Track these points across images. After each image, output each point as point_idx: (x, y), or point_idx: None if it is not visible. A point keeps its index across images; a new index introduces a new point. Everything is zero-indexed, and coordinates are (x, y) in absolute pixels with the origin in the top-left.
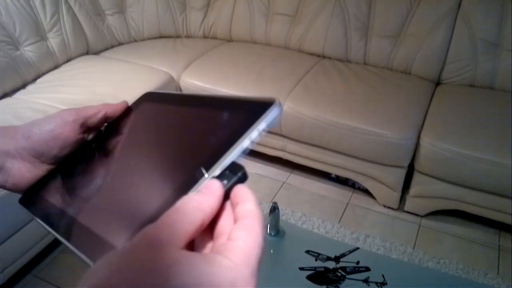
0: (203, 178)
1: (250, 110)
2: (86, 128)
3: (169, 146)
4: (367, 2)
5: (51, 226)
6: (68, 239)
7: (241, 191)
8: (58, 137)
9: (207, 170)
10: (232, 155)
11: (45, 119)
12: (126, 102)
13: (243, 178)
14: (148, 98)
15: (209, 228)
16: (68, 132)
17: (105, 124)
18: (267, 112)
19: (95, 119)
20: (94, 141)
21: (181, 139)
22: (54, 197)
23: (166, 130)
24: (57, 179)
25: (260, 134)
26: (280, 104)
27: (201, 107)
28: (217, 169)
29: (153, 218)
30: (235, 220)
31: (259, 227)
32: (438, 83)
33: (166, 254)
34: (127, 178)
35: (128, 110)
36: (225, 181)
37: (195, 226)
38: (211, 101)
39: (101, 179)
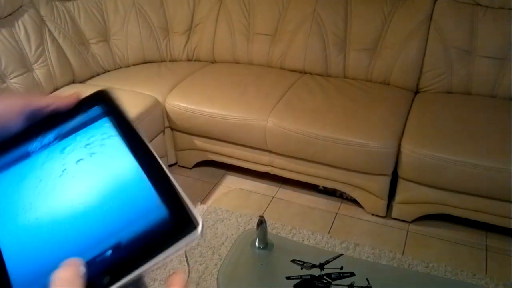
0: None
1: (171, 227)
2: (31, 118)
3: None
4: (343, 18)
5: None
6: None
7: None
8: (3, 125)
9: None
10: (138, 272)
11: None
12: (78, 95)
13: None
14: (103, 99)
15: None
16: (11, 123)
17: None
18: (187, 237)
19: (43, 112)
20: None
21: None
22: None
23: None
24: None
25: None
26: (203, 227)
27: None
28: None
29: None
30: None
31: None
32: (416, 92)
33: None
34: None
35: (79, 104)
36: None
37: None
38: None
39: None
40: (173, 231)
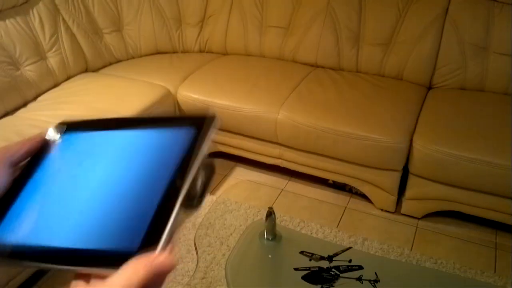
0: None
1: (192, 126)
2: (14, 166)
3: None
4: (357, 12)
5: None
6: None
7: None
8: None
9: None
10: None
11: None
12: (40, 136)
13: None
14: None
15: None
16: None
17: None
18: (211, 126)
19: (19, 156)
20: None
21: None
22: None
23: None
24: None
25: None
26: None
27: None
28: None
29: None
30: None
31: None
32: (429, 88)
33: None
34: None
35: (46, 143)
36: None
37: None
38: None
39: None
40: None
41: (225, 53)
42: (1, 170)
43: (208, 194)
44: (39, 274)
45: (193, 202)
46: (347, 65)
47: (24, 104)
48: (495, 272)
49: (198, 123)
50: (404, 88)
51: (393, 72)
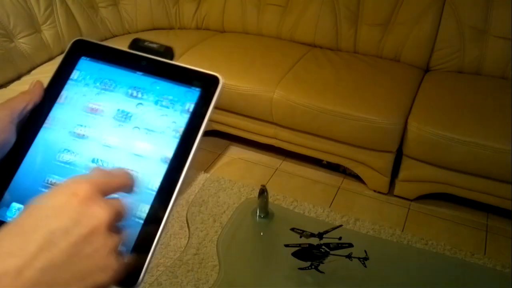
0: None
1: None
2: (18, 121)
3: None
4: None
5: None
6: None
7: None
8: (3, 141)
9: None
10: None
11: None
12: (40, 82)
13: None
14: (80, 49)
15: None
16: (10, 134)
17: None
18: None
19: (23, 112)
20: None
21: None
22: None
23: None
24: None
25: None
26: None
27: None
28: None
29: None
30: None
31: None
32: (427, 70)
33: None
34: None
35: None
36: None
37: None
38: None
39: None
40: None
41: (222, 31)
42: (10, 128)
43: (202, 172)
44: None
45: None
46: (345, 46)
47: (19, 77)
48: (485, 254)
49: (205, 84)
50: (401, 70)
51: (391, 53)
